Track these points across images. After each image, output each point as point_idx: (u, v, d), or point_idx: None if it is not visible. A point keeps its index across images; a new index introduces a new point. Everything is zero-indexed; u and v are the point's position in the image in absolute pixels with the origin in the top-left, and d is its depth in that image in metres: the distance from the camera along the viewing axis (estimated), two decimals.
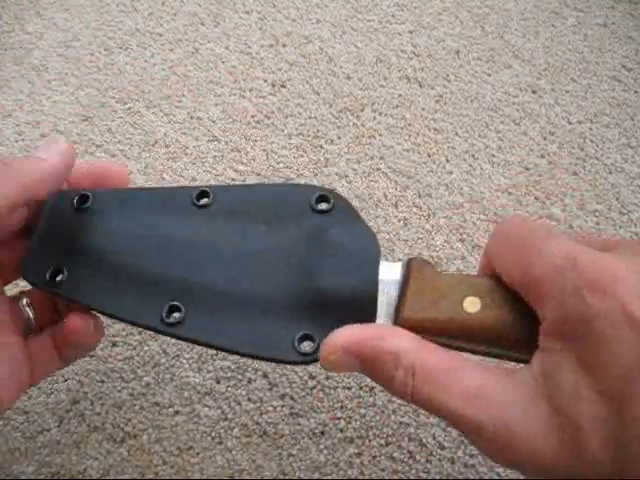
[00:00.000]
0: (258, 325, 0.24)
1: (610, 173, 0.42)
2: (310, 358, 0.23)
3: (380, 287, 0.24)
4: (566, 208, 0.40)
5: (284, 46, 0.47)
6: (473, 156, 0.42)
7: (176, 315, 0.24)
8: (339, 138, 0.43)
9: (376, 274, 0.24)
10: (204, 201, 0.26)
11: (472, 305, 0.22)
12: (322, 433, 0.32)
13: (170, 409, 0.32)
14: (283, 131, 0.43)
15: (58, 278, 0.26)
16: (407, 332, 0.22)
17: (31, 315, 0.28)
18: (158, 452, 0.32)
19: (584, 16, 0.51)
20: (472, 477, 0.31)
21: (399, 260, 0.29)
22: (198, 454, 0.31)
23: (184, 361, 0.34)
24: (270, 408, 0.33)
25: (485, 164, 0.42)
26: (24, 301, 0.28)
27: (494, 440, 0.19)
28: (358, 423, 0.32)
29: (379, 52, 0.48)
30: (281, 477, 0.31)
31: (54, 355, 0.27)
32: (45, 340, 0.27)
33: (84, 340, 0.26)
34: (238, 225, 0.26)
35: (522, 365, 0.20)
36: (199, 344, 0.25)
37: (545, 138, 0.44)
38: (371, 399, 0.33)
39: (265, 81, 0.45)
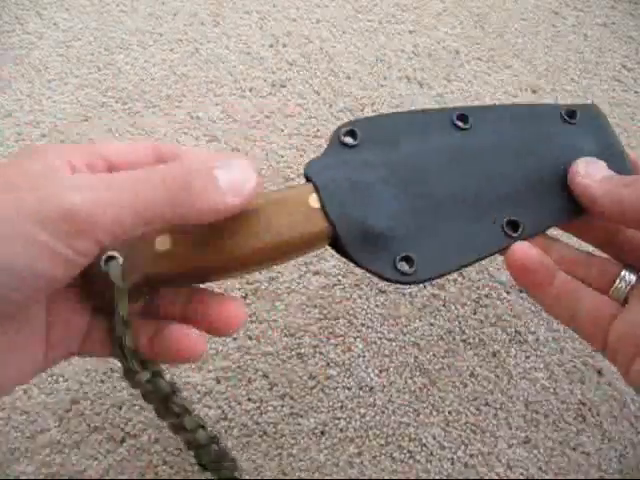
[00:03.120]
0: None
1: None
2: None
3: None
4: None
5: (284, 46, 0.47)
6: None
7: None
8: None
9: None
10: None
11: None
12: (322, 433, 0.32)
13: None
14: (283, 131, 0.43)
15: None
16: None
17: None
18: (158, 452, 0.32)
19: (584, 16, 0.51)
20: (472, 477, 0.31)
21: None
22: None
23: None
24: (270, 408, 0.33)
25: None
26: None
27: None
28: (358, 423, 0.32)
29: (379, 52, 0.47)
30: (281, 477, 0.31)
31: (76, 339, 0.25)
32: (67, 307, 0.24)
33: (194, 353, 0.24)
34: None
35: None
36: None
37: None
38: (371, 399, 0.33)
39: (265, 81, 0.45)
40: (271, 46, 0.47)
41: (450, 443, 0.32)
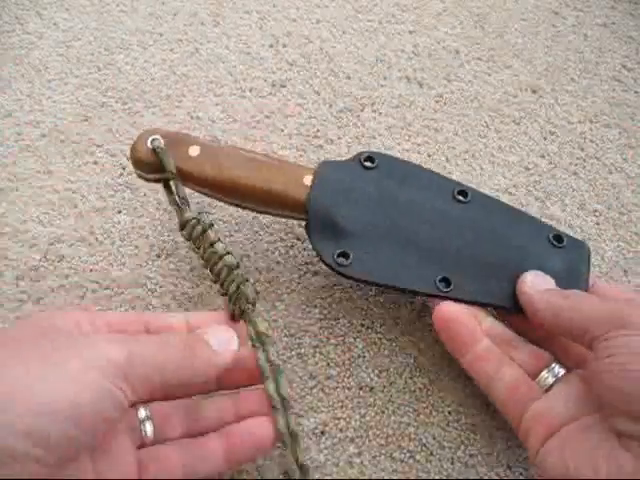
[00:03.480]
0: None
1: (610, 173, 0.42)
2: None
3: None
4: (566, 208, 0.40)
5: (284, 46, 0.47)
6: (473, 156, 0.42)
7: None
8: (339, 138, 0.43)
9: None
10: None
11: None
12: (322, 433, 0.32)
13: None
14: (283, 131, 0.43)
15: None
16: None
17: (149, 431, 0.27)
18: None
19: (584, 16, 0.51)
20: (472, 477, 0.31)
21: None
22: None
23: None
24: None
25: (485, 164, 0.42)
26: (142, 413, 0.27)
27: None
28: (358, 423, 0.32)
29: (379, 52, 0.47)
30: (281, 477, 0.31)
31: (167, 468, 0.27)
32: (160, 452, 0.27)
33: (264, 445, 0.28)
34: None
35: None
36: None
37: (545, 138, 0.44)
38: (371, 399, 0.33)
39: (265, 81, 0.45)
40: (271, 46, 0.47)
41: (450, 443, 0.32)
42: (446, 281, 0.31)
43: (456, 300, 0.31)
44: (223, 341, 0.27)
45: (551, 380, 0.28)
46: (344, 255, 0.31)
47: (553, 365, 0.29)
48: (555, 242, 0.33)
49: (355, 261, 0.31)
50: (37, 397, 0.21)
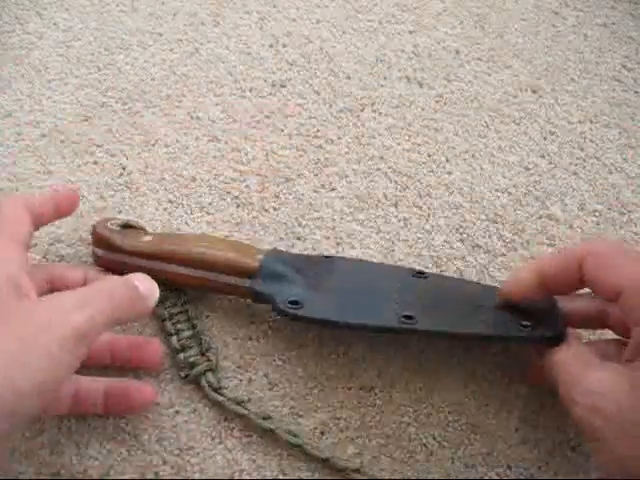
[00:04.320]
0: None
1: (610, 173, 0.42)
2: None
3: None
4: (566, 208, 0.40)
5: (284, 46, 0.47)
6: (473, 156, 0.42)
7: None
8: (339, 138, 0.43)
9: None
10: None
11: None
12: (322, 433, 0.32)
13: (170, 409, 0.32)
14: (283, 131, 0.43)
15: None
16: None
17: None
18: (158, 452, 0.32)
19: (584, 16, 0.51)
20: (472, 477, 0.31)
21: None
22: (198, 454, 0.32)
23: None
24: (270, 408, 0.33)
25: (485, 164, 0.42)
26: None
27: None
28: (358, 423, 0.32)
29: (379, 52, 0.48)
30: (281, 477, 0.31)
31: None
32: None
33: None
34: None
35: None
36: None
37: (545, 138, 0.44)
38: (371, 399, 0.33)
39: (265, 81, 0.45)
40: (271, 46, 0.47)
41: (450, 443, 0.32)
42: (410, 317, 0.30)
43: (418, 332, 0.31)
44: (148, 287, 0.29)
45: None
46: (295, 302, 0.31)
47: None
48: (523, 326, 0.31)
49: (306, 306, 0.31)
50: (17, 382, 0.23)
